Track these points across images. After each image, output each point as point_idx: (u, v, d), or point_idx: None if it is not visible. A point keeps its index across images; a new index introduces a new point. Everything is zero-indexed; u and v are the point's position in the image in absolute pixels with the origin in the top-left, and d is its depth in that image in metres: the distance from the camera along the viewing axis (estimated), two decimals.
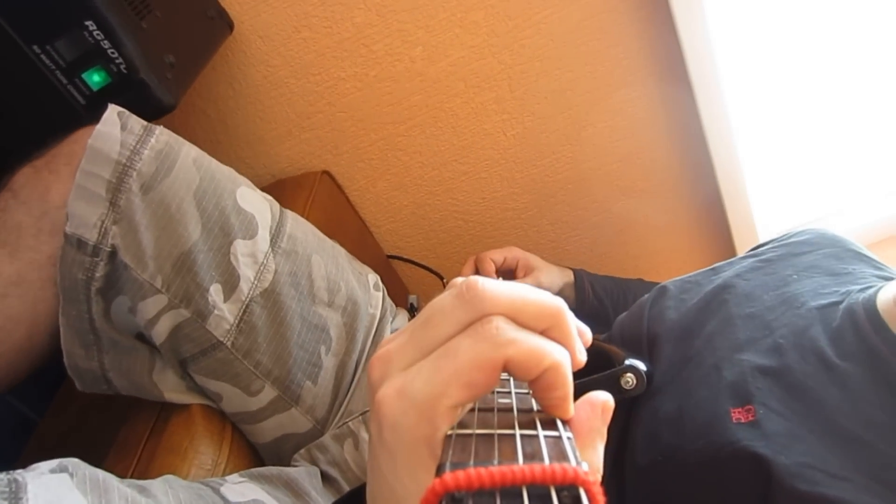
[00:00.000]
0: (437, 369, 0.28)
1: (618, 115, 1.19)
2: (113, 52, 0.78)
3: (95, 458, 0.75)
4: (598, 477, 0.28)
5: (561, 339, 0.30)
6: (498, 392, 0.32)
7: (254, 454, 0.82)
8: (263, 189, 1.21)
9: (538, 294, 0.30)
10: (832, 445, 0.54)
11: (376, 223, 1.33)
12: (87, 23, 0.76)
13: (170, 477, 0.61)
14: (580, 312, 0.96)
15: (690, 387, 0.66)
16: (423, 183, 1.28)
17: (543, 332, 0.30)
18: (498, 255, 0.97)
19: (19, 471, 0.48)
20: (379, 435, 0.29)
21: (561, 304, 0.31)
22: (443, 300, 0.30)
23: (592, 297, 0.96)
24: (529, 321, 0.29)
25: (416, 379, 0.28)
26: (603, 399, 0.31)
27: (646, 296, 0.83)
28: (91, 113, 0.80)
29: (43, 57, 0.77)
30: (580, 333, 0.33)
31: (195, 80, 0.99)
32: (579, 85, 1.16)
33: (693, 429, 0.61)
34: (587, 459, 0.29)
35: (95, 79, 0.79)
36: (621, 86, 1.16)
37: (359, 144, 1.21)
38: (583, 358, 0.32)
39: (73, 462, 0.52)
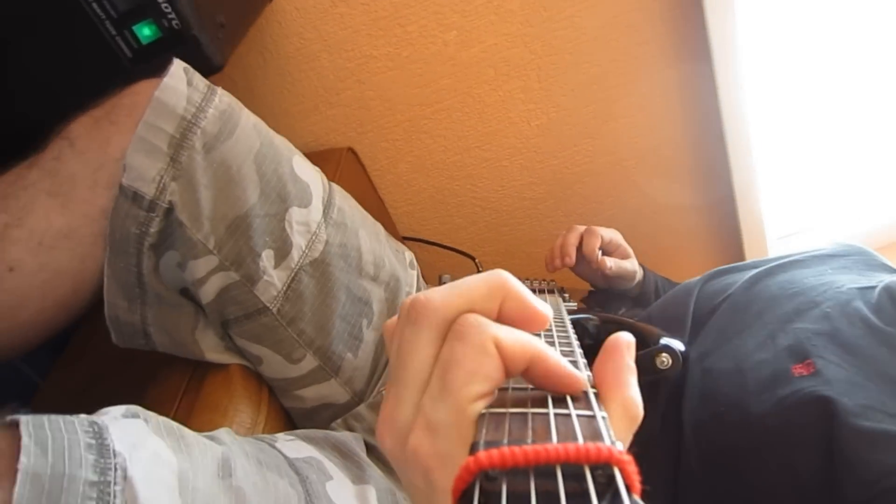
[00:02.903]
0: (447, 386, 0.27)
1: (640, 111, 1.22)
2: (166, 7, 0.78)
3: None
4: (640, 410, 0.30)
5: (518, 308, 0.31)
6: None
7: (288, 419, 0.82)
8: None
9: (476, 276, 0.31)
10: (889, 391, 0.57)
11: (394, 204, 1.33)
12: None
13: (228, 429, 0.60)
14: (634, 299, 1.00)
15: (746, 351, 0.68)
16: (444, 167, 1.29)
17: (501, 309, 0.30)
18: (607, 234, 0.97)
19: (89, 416, 0.47)
20: (429, 484, 0.27)
21: (501, 273, 0.31)
22: (400, 337, 0.31)
23: (652, 294, 1.00)
24: (486, 302, 0.30)
25: (434, 408, 0.28)
26: (622, 340, 0.32)
27: (693, 280, 0.86)
28: (136, 65, 0.80)
29: (94, 5, 0.76)
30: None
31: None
32: (606, 80, 1.18)
33: (756, 383, 0.63)
34: (627, 397, 0.30)
35: (146, 32, 0.79)
36: (646, 83, 1.19)
37: (384, 124, 1.22)
38: (547, 310, 0.32)
39: (144, 411, 0.51)
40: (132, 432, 0.47)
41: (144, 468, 0.44)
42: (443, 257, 1.33)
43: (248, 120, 0.71)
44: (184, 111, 0.66)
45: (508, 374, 0.29)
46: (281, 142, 0.74)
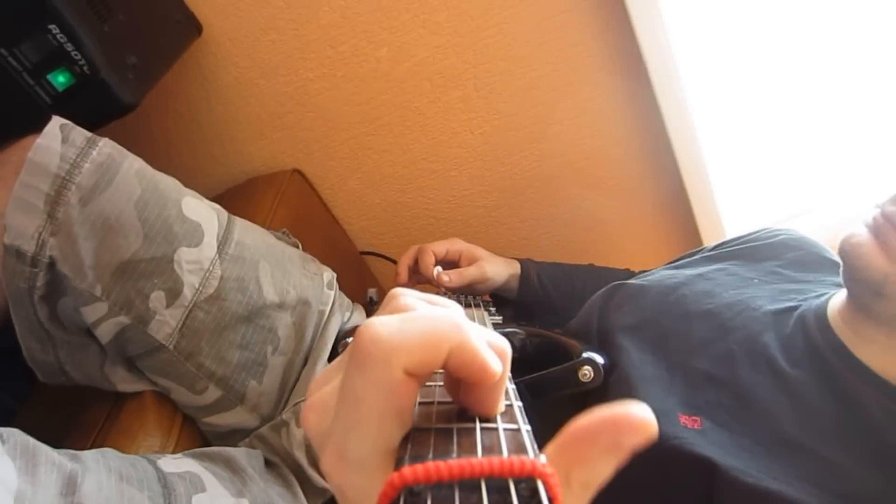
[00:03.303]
0: (358, 423, 0.25)
1: (583, 112, 1.22)
2: (76, 54, 0.81)
3: (60, 443, 0.80)
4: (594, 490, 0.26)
5: (465, 363, 0.26)
6: None
7: (204, 441, 0.84)
8: (236, 187, 1.25)
9: (425, 322, 0.26)
10: (777, 455, 0.55)
11: (349, 220, 1.35)
12: (51, 26, 0.79)
13: (106, 449, 0.64)
14: (524, 301, 0.98)
15: (643, 376, 0.67)
16: (393, 181, 1.30)
17: (447, 360, 0.26)
18: (440, 248, 0.97)
19: None
20: (343, 497, 0.26)
21: (451, 321, 0.26)
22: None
23: (538, 286, 0.97)
24: (427, 357, 0.25)
25: (348, 442, 0.25)
26: (630, 417, 0.25)
27: (597, 294, 0.85)
28: (58, 113, 0.83)
29: (10, 59, 0.80)
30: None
31: (165, 79, 1.03)
32: (543, 83, 1.18)
33: None
34: (584, 480, 0.25)
35: (60, 80, 0.82)
36: (584, 84, 1.18)
37: (329, 143, 1.24)
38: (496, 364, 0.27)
39: (10, 431, 0.55)
40: None
41: None
42: None
43: (129, 168, 0.73)
44: (57, 168, 0.68)
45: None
46: (168, 185, 0.76)
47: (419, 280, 0.98)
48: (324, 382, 0.29)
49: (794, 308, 0.67)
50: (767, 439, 0.57)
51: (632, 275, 1.09)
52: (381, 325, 0.25)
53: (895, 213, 0.54)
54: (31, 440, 0.56)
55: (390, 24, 1.11)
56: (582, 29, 1.12)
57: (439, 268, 0.95)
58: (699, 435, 0.58)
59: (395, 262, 1.28)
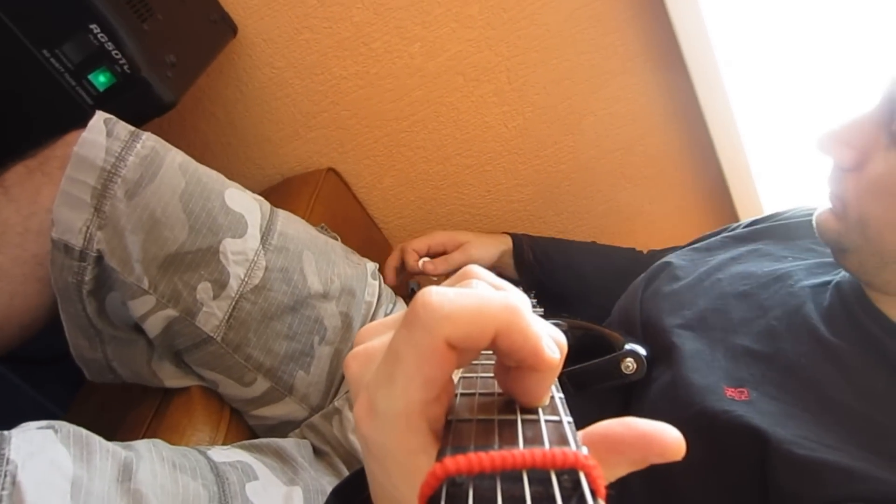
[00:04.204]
0: (390, 379, 0.25)
1: (617, 102, 1.20)
2: (116, 54, 0.82)
3: (108, 440, 0.80)
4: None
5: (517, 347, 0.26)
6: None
7: (252, 435, 0.84)
8: (272, 187, 1.25)
9: (482, 301, 0.26)
10: (828, 422, 0.54)
11: (384, 219, 1.35)
12: (92, 26, 0.80)
13: (156, 439, 0.64)
14: (523, 278, 0.97)
15: (683, 355, 0.65)
16: (428, 178, 1.30)
17: (495, 341, 0.26)
18: (421, 244, 0.98)
19: (9, 431, 0.52)
20: (367, 449, 0.27)
21: (510, 299, 0.26)
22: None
23: (533, 262, 0.96)
24: (475, 331, 0.25)
25: (378, 394, 0.26)
26: (668, 440, 0.26)
27: (639, 278, 0.84)
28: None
29: (52, 60, 0.81)
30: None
31: (201, 82, 1.03)
32: (577, 74, 1.18)
33: (686, 396, 0.61)
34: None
35: (101, 79, 0.83)
36: (619, 73, 1.17)
37: (363, 141, 1.25)
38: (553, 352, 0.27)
39: (60, 423, 0.55)
40: (36, 442, 0.51)
41: (36, 475, 0.49)
42: None
43: (173, 161, 0.73)
44: (103, 162, 0.68)
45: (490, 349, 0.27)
46: (211, 177, 0.76)
47: (407, 279, 1.01)
48: (369, 335, 0.30)
49: (830, 281, 0.66)
50: (818, 407, 0.55)
51: (637, 255, 1.08)
52: (437, 293, 0.25)
53: (832, 186, 0.59)
54: (83, 430, 0.56)
55: (423, 19, 1.11)
56: (616, 17, 1.11)
57: (425, 258, 0.96)
58: (748, 406, 0.57)
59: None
